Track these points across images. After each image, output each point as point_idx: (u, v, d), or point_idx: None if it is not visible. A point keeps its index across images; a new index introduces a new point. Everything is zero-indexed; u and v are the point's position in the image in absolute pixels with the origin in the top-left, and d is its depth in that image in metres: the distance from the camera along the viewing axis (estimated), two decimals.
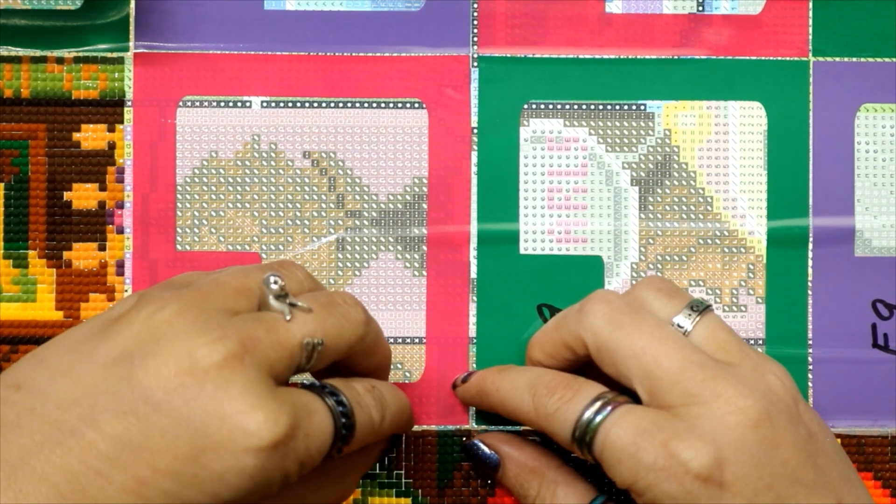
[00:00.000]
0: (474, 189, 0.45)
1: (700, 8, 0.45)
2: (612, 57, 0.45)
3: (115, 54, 0.45)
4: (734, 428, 0.34)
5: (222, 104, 0.45)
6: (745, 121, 0.45)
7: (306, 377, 0.42)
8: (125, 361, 0.31)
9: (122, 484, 0.29)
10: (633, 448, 0.34)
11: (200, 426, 0.30)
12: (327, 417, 0.34)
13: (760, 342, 0.45)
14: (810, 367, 0.45)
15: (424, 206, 0.45)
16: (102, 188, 0.45)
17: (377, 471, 0.44)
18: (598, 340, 0.37)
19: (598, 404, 0.36)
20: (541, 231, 0.45)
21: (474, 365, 0.44)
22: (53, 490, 0.29)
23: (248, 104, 0.45)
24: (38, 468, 0.29)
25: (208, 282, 0.34)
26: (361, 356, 0.37)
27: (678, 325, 0.37)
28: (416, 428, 0.44)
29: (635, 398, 0.36)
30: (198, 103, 0.45)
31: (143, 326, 0.32)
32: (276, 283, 0.34)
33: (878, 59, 0.45)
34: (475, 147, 0.45)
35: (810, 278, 0.45)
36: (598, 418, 0.36)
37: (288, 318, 0.34)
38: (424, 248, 0.45)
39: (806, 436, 0.35)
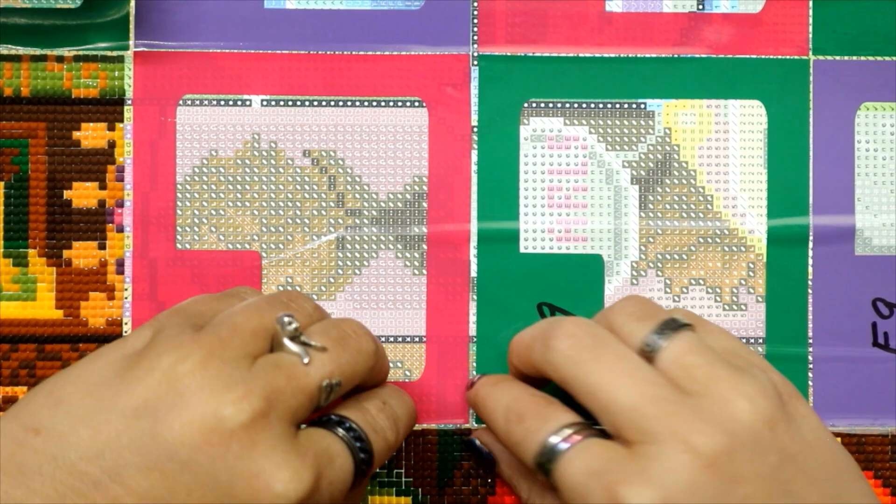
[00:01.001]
0: (474, 188, 0.45)
1: (700, 6, 0.45)
2: (613, 55, 0.45)
3: (115, 53, 0.45)
4: (686, 470, 0.32)
5: (222, 103, 0.45)
6: (746, 119, 0.45)
7: None
8: (149, 415, 0.31)
9: None
10: (583, 489, 0.33)
11: (227, 486, 0.30)
12: (348, 459, 0.34)
13: (761, 341, 0.45)
14: (810, 365, 0.45)
15: (424, 204, 0.45)
16: (102, 187, 0.45)
17: (377, 470, 0.44)
18: (559, 377, 0.36)
19: (562, 435, 0.35)
20: (541, 230, 0.45)
21: (474, 364, 0.44)
22: None
23: (248, 103, 0.45)
24: None
25: (226, 325, 0.34)
26: (368, 379, 0.38)
27: (647, 349, 0.35)
28: (416, 427, 0.44)
29: None
30: (198, 102, 0.45)
31: (165, 377, 0.31)
32: (290, 323, 0.34)
33: (879, 58, 0.45)
34: (475, 146, 0.45)
35: (810, 277, 0.45)
36: (559, 449, 0.35)
37: (306, 360, 0.34)
38: (424, 246, 0.45)
39: (777, 463, 0.33)
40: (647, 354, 0.35)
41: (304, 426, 0.34)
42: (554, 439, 0.35)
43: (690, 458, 0.32)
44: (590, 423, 0.36)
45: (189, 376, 0.31)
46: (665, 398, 0.33)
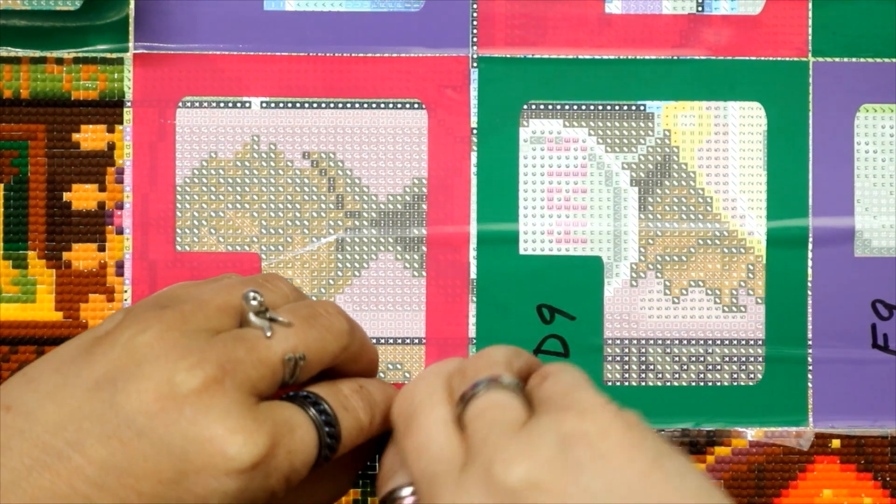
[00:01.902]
0: (474, 189, 0.45)
1: (699, 8, 0.45)
2: (612, 57, 0.45)
3: (114, 55, 0.45)
4: None
5: (222, 105, 0.45)
6: (745, 121, 0.45)
7: None
8: (108, 385, 0.31)
9: None
10: None
11: (181, 451, 0.31)
12: (310, 430, 0.34)
13: (760, 343, 0.45)
14: (810, 367, 0.45)
15: (424, 206, 0.45)
16: (102, 189, 0.45)
17: (378, 470, 0.44)
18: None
19: (392, 497, 0.35)
20: (540, 231, 0.45)
21: None
22: None
23: (247, 105, 0.45)
24: (29, 491, 0.30)
25: (191, 300, 0.34)
26: (347, 363, 0.37)
27: (458, 409, 0.34)
28: None
29: None
30: (197, 104, 0.45)
31: (125, 349, 0.32)
32: (255, 299, 0.34)
33: (878, 60, 0.45)
34: (475, 147, 0.45)
35: (810, 279, 0.45)
36: None
37: (268, 334, 0.34)
38: (424, 248, 0.45)
39: None
40: (458, 416, 0.34)
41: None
42: (385, 500, 0.35)
43: None
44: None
45: (147, 347, 0.32)
46: (436, 475, 0.32)
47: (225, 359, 0.32)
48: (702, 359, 0.45)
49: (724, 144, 0.45)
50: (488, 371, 0.34)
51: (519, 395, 0.33)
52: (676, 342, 0.45)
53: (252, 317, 0.34)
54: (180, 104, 0.45)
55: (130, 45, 0.45)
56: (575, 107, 0.45)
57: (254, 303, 0.34)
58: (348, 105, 0.45)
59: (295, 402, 0.34)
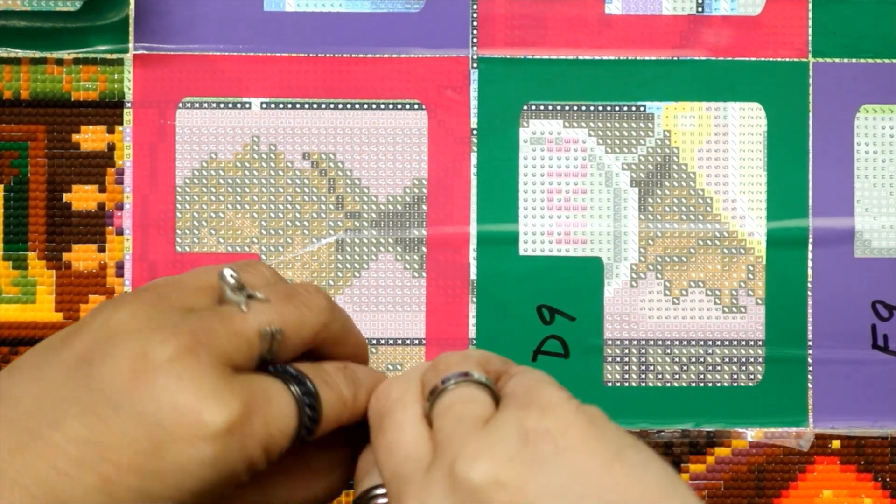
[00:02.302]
0: (474, 190, 0.45)
1: (699, 9, 0.45)
2: (612, 58, 0.45)
3: (114, 56, 0.45)
4: None
5: (222, 105, 0.45)
6: (745, 122, 0.45)
7: None
8: (84, 364, 0.32)
9: (90, 484, 0.31)
10: None
11: (156, 420, 0.31)
12: (287, 399, 0.34)
13: (760, 343, 0.45)
14: (810, 368, 0.45)
15: (424, 207, 0.45)
16: (102, 190, 0.45)
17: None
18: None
19: (367, 497, 0.35)
20: (540, 232, 0.45)
21: None
22: (26, 493, 0.30)
23: (247, 105, 0.45)
24: (11, 473, 0.30)
25: (168, 282, 0.35)
26: (331, 345, 0.37)
27: (426, 407, 0.34)
28: None
29: None
30: (197, 104, 0.45)
31: (101, 329, 0.33)
32: (231, 276, 0.35)
33: (878, 61, 0.45)
34: (475, 148, 0.45)
35: (810, 279, 0.45)
36: None
37: (244, 308, 0.34)
38: (424, 249, 0.45)
39: None
40: (427, 413, 0.34)
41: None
42: (360, 500, 0.35)
43: None
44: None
45: (121, 324, 0.33)
46: (403, 475, 0.32)
47: (199, 330, 0.33)
48: (702, 359, 0.45)
49: (724, 145, 0.45)
50: (459, 367, 0.34)
51: (487, 392, 0.33)
52: (676, 343, 0.45)
53: (228, 293, 0.35)
54: (180, 105, 0.45)
55: (130, 45, 0.45)
56: (575, 107, 0.45)
57: (230, 280, 0.35)
58: (348, 106, 0.45)
59: (275, 375, 0.35)
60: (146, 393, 0.31)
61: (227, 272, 0.35)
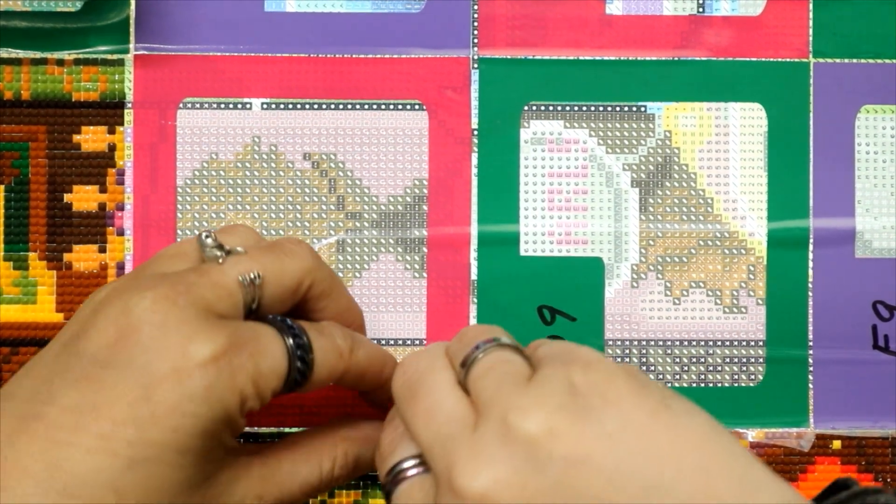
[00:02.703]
0: (474, 191, 0.45)
1: (700, 9, 0.45)
2: (613, 58, 0.45)
3: (115, 56, 0.45)
4: None
5: (222, 106, 0.45)
6: (746, 122, 0.45)
7: None
8: (73, 340, 0.33)
9: (88, 446, 0.31)
10: None
11: (144, 366, 0.32)
12: (277, 339, 0.34)
13: (761, 344, 0.45)
14: (811, 368, 0.45)
15: (425, 207, 0.45)
16: (103, 190, 0.45)
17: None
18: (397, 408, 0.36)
19: (395, 472, 0.35)
20: (541, 233, 0.45)
21: None
22: (28, 475, 0.31)
23: (248, 106, 0.45)
24: (12, 458, 0.31)
25: (153, 257, 0.36)
26: (319, 299, 0.38)
27: (460, 375, 0.34)
28: None
29: None
30: (198, 105, 0.45)
31: (87, 308, 0.34)
32: (207, 236, 0.35)
33: (879, 61, 0.45)
34: (475, 149, 0.45)
35: (811, 280, 0.45)
36: (391, 487, 0.35)
37: (220, 261, 0.35)
38: (425, 249, 0.45)
39: (559, 474, 0.30)
40: (461, 381, 0.34)
41: None
42: (392, 473, 0.35)
43: (456, 500, 0.30)
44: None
45: (104, 299, 0.34)
46: (449, 436, 0.32)
47: (178, 283, 0.33)
48: (702, 360, 0.45)
49: (724, 145, 0.45)
50: (486, 335, 0.34)
51: (519, 354, 0.34)
52: (677, 343, 0.45)
53: (207, 251, 0.35)
54: (181, 105, 0.45)
55: (131, 46, 0.45)
56: (576, 108, 0.45)
57: (208, 240, 0.35)
58: (349, 106, 0.45)
59: (265, 322, 0.35)
60: (133, 344, 0.32)
61: (204, 234, 0.36)
